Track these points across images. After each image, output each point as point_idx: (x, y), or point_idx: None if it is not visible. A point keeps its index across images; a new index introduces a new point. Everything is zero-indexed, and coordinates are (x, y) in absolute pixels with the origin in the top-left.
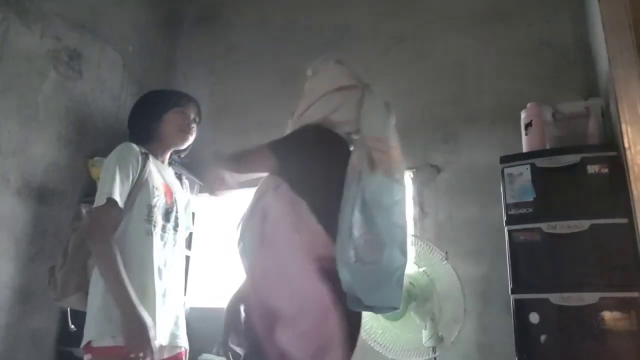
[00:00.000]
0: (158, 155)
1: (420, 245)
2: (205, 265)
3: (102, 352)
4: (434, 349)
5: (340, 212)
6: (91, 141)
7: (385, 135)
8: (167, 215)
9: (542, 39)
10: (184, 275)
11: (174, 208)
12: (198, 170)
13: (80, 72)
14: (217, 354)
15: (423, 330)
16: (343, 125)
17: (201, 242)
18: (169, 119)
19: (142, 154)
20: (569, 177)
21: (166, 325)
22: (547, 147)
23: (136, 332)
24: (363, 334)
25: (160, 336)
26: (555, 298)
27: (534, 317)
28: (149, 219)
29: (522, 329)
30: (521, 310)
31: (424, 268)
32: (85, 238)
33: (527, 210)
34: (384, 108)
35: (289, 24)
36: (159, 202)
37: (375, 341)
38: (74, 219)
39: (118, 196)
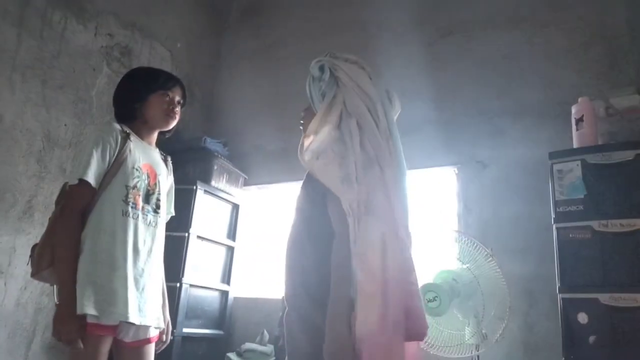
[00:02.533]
0: (143, 135)
1: (464, 241)
2: (248, 256)
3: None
4: (477, 347)
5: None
6: None
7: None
8: (147, 197)
9: (594, 30)
10: (225, 264)
11: (156, 190)
12: (241, 162)
13: (131, 68)
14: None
15: (466, 327)
16: None
17: (245, 234)
18: (153, 100)
19: (123, 133)
20: (622, 174)
21: (151, 305)
22: (599, 142)
23: (64, 316)
24: None
25: (131, 315)
26: (605, 298)
27: (583, 317)
28: (127, 199)
29: (570, 329)
30: (569, 310)
31: (467, 265)
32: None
33: (577, 207)
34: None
35: (332, 18)
36: (140, 183)
37: None
38: (59, 196)
39: (92, 177)
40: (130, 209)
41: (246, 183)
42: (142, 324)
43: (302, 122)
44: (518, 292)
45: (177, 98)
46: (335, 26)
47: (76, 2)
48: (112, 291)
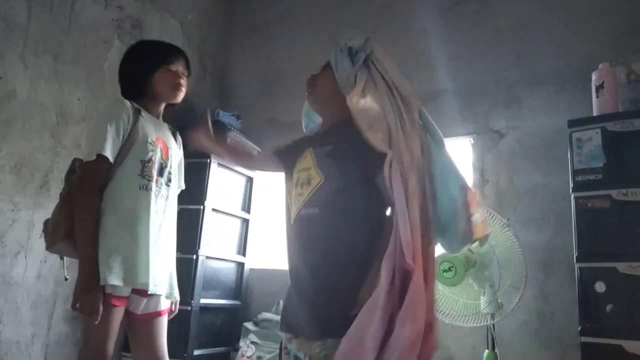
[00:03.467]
0: (152, 110)
1: None
2: (264, 228)
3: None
4: (492, 316)
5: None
6: None
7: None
8: (161, 170)
9: None
10: (240, 236)
11: (168, 163)
12: (255, 135)
13: (142, 40)
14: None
15: (481, 297)
16: None
17: (260, 206)
18: (159, 77)
19: (134, 109)
20: None
21: (162, 276)
22: (620, 110)
23: (87, 287)
24: None
25: (151, 284)
26: (623, 267)
27: (600, 286)
28: (143, 173)
29: (587, 298)
30: (586, 279)
31: None
32: (74, 190)
33: (596, 176)
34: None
35: None
36: (154, 156)
37: None
38: (69, 172)
39: (109, 152)
40: (147, 182)
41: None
42: (156, 292)
43: (308, 88)
44: (534, 261)
45: (181, 69)
46: None
47: None
48: (134, 262)
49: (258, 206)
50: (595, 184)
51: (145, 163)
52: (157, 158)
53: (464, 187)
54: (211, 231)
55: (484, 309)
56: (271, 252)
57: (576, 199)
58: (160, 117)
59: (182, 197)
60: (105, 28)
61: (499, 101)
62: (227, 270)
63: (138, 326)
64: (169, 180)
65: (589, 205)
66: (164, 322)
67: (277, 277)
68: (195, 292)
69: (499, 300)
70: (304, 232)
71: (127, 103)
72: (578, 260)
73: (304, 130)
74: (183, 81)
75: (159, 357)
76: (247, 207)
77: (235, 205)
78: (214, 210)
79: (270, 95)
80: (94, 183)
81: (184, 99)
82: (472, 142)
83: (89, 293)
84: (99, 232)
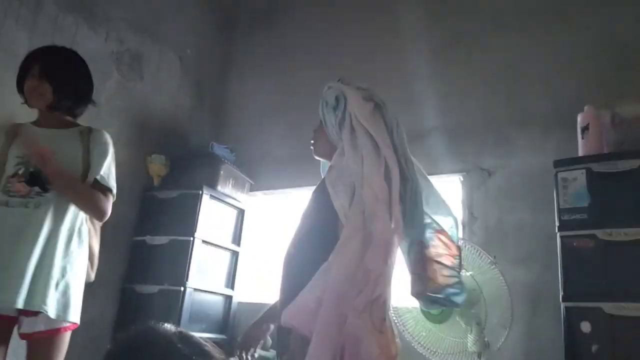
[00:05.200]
0: (42, 120)
1: (468, 249)
2: (253, 261)
3: None
4: (479, 354)
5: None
6: (149, 139)
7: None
8: (34, 180)
9: (602, 39)
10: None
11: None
12: (248, 168)
13: (141, 73)
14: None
15: (468, 335)
16: None
17: (250, 239)
18: (26, 86)
19: (13, 128)
20: (628, 183)
21: (13, 290)
22: (605, 151)
23: None
24: (407, 335)
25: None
26: (608, 307)
27: (586, 327)
28: (5, 189)
29: (573, 338)
30: (572, 318)
31: (471, 272)
32: None
33: (582, 216)
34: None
35: (344, 24)
36: (22, 169)
37: (419, 343)
38: None
39: None
40: (7, 198)
41: (252, 189)
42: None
43: (312, 142)
44: (521, 300)
45: (32, 77)
46: (345, 34)
47: (87, 8)
48: None
49: (248, 239)
50: (580, 224)
51: (10, 178)
52: (27, 170)
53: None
54: (200, 263)
55: (470, 347)
56: (260, 285)
57: (562, 238)
58: (58, 125)
59: (174, 230)
60: (105, 60)
61: (488, 140)
62: (214, 303)
63: (28, 349)
64: (49, 188)
65: (575, 244)
66: (35, 347)
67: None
68: (182, 324)
69: (486, 339)
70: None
71: (10, 124)
72: (564, 299)
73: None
74: (30, 83)
75: None
76: (237, 240)
77: (225, 237)
78: (204, 242)
79: (265, 128)
80: None
81: (178, 132)
82: (462, 179)
83: None
84: None
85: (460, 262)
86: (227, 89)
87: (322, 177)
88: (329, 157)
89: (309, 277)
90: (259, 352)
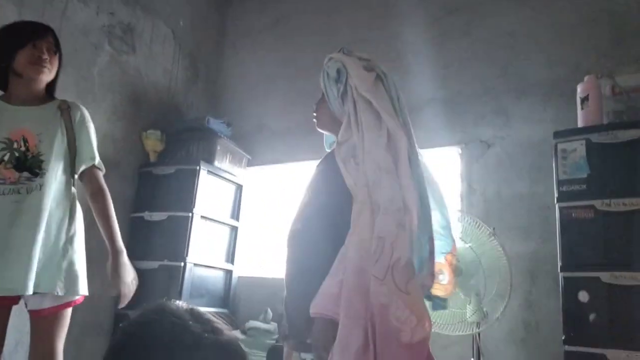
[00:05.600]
0: (20, 95)
1: (467, 221)
2: (252, 236)
3: None
4: (477, 324)
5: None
6: (144, 114)
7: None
8: (22, 165)
9: (602, 6)
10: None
11: (37, 151)
12: (245, 142)
13: (134, 46)
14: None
15: (467, 305)
16: None
17: (248, 214)
18: (20, 55)
19: None
20: (627, 154)
21: (18, 274)
22: (605, 122)
23: None
24: None
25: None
26: (606, 277)
27: (583, 296)
28: None
29: (571, 307)
30: (570, 288)
31: (470, 244)
32: None
33: (581, 187)
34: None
35: None
36: (8, 156)
37: None
38: None
39: None
40: None
41: (250, 163)
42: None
43: (315, 114)
44: (520, 270)
45: (47, 46)
46: (340, 3)
47: None
48: None
49: (247, 214)
50: (579, 195)
51: None
52: (12, 157)
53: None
54: (200, 238)
55: (469, 317)
56: (260, 260)
57: (560, 209)
58: (36, 101)
59: (172, 206)
60: (96, 33)
61: (486, 111)
62: (215, 277)
63: (31, 323)
64: (39, 169)
65: (573, 215)
66: (41, 323)
67: (265, 285)
68: (183, 299)
69: (485, 309)
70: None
71: None
72: (562, 269)
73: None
74: (44, 56)
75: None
76: (236, 215)
77: (224, 212)
78: (202, 217)
79: (261, 101)
80: None
81: (173, 106)
82: (460, 152)
83: None
84: None
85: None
86: (222, 61)
87: (327, 150)
88: (332, 129)
89: (325, 256)
90: (259, 324)
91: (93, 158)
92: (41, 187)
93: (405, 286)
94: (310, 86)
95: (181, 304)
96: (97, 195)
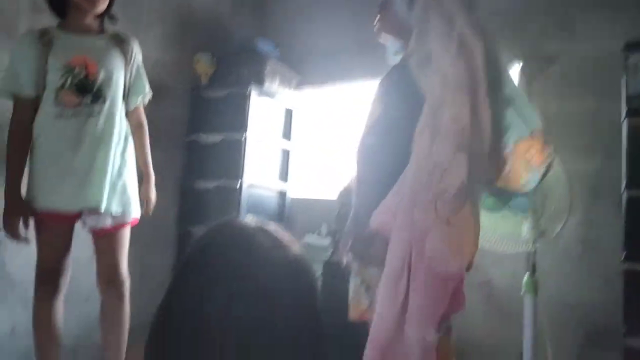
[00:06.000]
0: (76, 25)
1: None
2: (304, 158)
3: None
4: (534, 241)
5: None
6: (193, 38)
7: None
8: (83, 91)
9: None
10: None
11: (98, 79)
12: (294, 63)
13: None
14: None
15: (524, 222)
16: None
17: (300, 135)
18: None
19: (40, 37)
20: None
21: (89, 192)
22: None
23: (4, 214)
24: None
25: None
26: None
27: None
28: (57, 101)
29: (633, 227)
30: (634, 206)
31: None
32: None
33: None
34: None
35: None
36: (68, 81)
37: None
38: None
39: (19, 89)
40: (61, 110)
41: (300, 84)
42: (71, 210)
43: (378, 18)
44: (581, 189)
45: None
46: None
47: None
48: (50, 184)
49: (299, 136)
50: None
51: (59, 90)
52: (73, 81)
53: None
54: (253, 160)
55: (525, 234)
56: (312, 182)
57: (629, 125)
58: (93, 31)
59: (225, 128)
60: None
61: (550, 24)
62: (269, 198)
63: (94, 241)
64: (100, 95)
65: None
66: (101, 241)
67: (319, 206)
68: (241, 217)
69: (542, 226)
70: None
71: (31, 35)
72: (627, 187)
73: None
74: None
75: (105, 273)
76: (288, 136)
77: (276, 134)
78: (255, 139)
79: (310, 20)
80: (13, 119)
81: (222, 28)
82: (521, 66)
83: (7, 219)
84: (29, 162)
85: (547, 170)
86: None
87: (390, 60)
88: (398, 35)
89: (397, 172)
90: (315, 239)
91: (145, 95)
92: (102, 112)
93: (446, 217)
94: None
95: (250, 219)
96: (138, 128)
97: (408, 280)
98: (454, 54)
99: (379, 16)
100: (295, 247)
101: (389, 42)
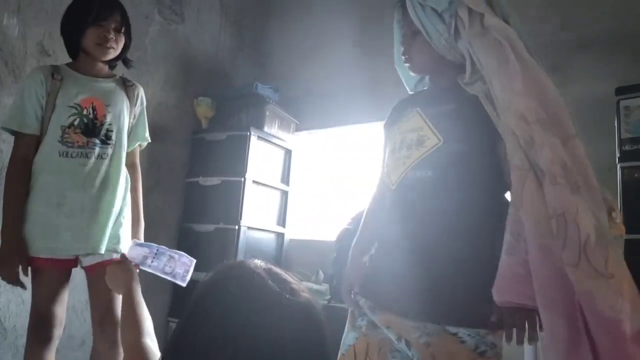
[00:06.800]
0: (86, 69)
1: None
2: (302, 200)
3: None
4: None
5: None
6: (194, 82)
7: None
8: (91, 132)
9: None
10: (280, 208)
11: (105, 121)
12: (292, 107)
13: (182, 15)
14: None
15: None
16: None
17: (298, 178)
18: (88, 33)
19: (52, 74)
20: None
21: (83, 236)
22: None
23: (1, 259)
24: None
25: (66, 249)
26: None
27: None
28: (63, 140)
29: (631, 270)
30: (631, 251)
31: None
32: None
33: None
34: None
35: None
36: (78, 120)
37: None
38: None
39: (25, 126)
40: (67, 149)
41: (297, 128)
42: (64, 256)
43: (405, 54)
44: None
45: (114, 25)
46: None
47: None
48: (48, 228)
49: (296, 178)
50: None
51: (66, 129)
52: (81, 122)
53: None
54: (252, 203)
55: None
56: (310, 223)
57: (622, 169)
58: (102, 75)
59: (225, 171)
60: (146, 4)
61: (544, 65)
62: (267, 240)
63: (88, 283)
64: (108, 138)
65: (636, 176)
66: (94, 279)
67: (316, 247)
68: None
69: None
70: (409, 197)
71: (43, 70)
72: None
73: (410, 90)
74: (110, 36)
75: (97, 314)
76: (286, 179)
77: (274, 177)
78: (254, 182)
79: (307, 66)
80: (15, 155)
81: (222, 73)
82: None
83: (5, 264)
84: (27, 201)
85: None
86: (268, 26)
87: (409, 91)
88: (431, 71)
89: (469, 211)
90: (311, 285)
91: (145, 139)
92: (109, 155)
93: (605, 267)
94: (354, 54)
95: (259, 262)
96: (131, 168)
97: (596, 354)
98: (522, 91)
99: (404, 51)
100: (304, 293)
101: (405, 78)
